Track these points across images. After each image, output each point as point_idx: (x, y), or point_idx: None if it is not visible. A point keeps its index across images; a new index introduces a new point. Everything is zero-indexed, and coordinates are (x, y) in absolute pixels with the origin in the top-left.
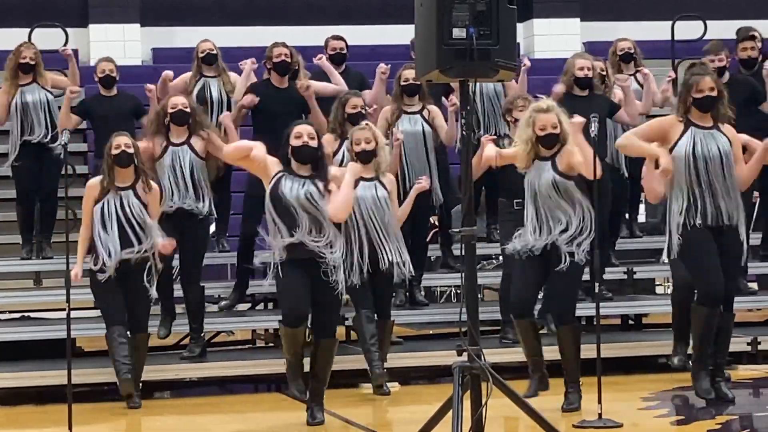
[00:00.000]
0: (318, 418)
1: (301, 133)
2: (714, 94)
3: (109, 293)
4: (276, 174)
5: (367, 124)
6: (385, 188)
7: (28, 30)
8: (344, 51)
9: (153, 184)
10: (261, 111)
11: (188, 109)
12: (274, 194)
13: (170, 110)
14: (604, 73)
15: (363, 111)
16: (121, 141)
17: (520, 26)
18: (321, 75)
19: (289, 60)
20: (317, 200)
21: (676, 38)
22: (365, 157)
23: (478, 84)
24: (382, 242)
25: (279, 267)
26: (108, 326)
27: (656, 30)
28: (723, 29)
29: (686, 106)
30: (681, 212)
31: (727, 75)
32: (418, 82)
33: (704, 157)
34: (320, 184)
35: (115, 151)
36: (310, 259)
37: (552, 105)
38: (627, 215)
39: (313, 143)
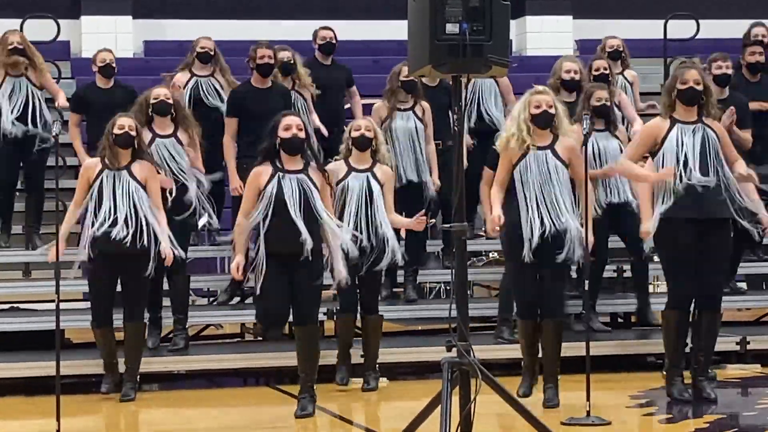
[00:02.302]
0: (308, 410)
1: (290, 125)
2: (699, 87)
3: (101, 289)
4: (271, 175)
5: (368, 119)
6: (378, 181)
7: (20, 21)
8: (334, 41)
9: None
10: (243, 113)
11: (170, 100)
12: (278, 195)
13: (152, 101)
14: (607, 72)
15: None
16: (124, 122)
17: (512, 23)
18: (315, 64)
19: (272, 62)
20: (312, 197)
21: (668, 37)
22: (363, 144)
23: (473, 80)
24: (369, 236)
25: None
26: (95, 326)
27: (649, 28)
28: (716, 28)
29: (671, 99)
30: (666, 204)
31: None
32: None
33: (692, 151)
34: (314, 178)
35: (117, 131)
36: (291, 254)
37: (547, 89)
38: None
39: (302, 134)
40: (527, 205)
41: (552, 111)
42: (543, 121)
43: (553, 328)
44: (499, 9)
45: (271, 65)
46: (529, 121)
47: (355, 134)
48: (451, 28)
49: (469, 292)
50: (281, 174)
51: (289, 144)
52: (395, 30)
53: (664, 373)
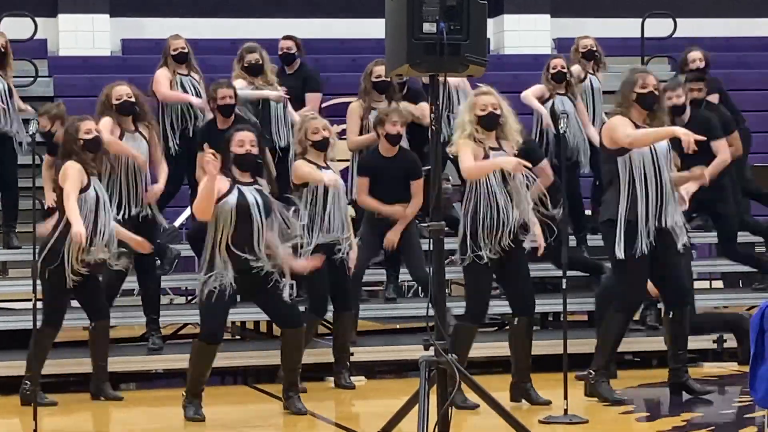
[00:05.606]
0: (298, 406)
1: (243, 140)
2: (657, 93)
3: (63, 296)
4: (230, 186)
5: (315, 116)
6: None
7: None
8: (292, 50)
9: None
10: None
11: (132, 99)
12: (241, 202)
13: (115, 102)
14: (564, 70)
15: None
16: (90, 126)
17: (490, 22)
18: (280, 74)
19: (233, 102)
20: (262, 210)
21: (645, 36)
22: (324, 145)
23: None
24: (337, 230)
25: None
26: (45, 325)
27: (626, 27)
28: (692, 27)
29: (629, 101)
30: (627, 211)
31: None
32: (389, 79)
33: (657, 154)
34: (266, 191)
35: (86, 136)
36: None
37: (491, 89)
38: (590, 212)
39: (255, 150)
40: (492, 206)
41: (498, 112)
42: (489, 122)
43: (528, 326)
44: (476, 8)
45: (233, 105)
46: (475, 123)
47: (315, 137)
48: (429, 27)
49: (447, 291)
50: (239, 185)
51: (242, 160)
52: (373, 28)
53: (591, 372)
